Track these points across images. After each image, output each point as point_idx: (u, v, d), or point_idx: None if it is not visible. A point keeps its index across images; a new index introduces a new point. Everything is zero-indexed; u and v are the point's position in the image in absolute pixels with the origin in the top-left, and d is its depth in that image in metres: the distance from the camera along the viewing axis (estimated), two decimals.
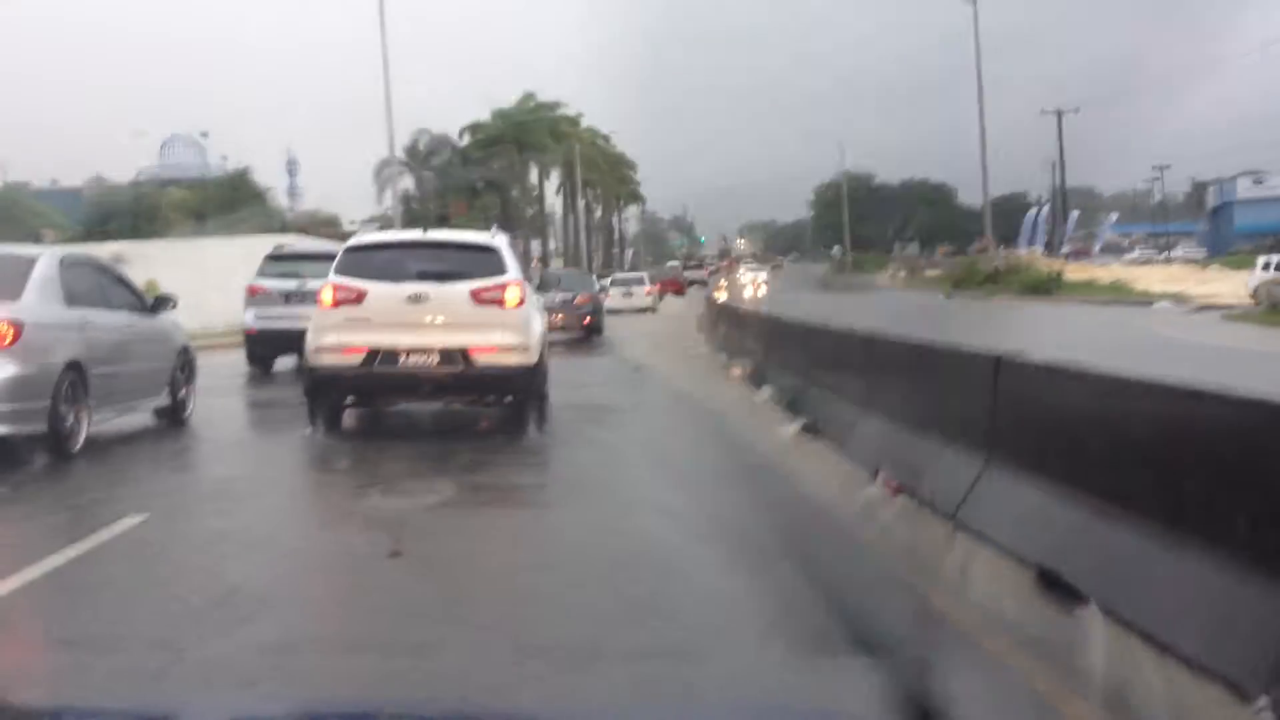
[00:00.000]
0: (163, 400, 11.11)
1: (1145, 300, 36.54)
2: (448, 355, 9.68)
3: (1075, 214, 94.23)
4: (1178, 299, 36.55)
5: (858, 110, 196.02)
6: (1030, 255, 53.74)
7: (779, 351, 13.39)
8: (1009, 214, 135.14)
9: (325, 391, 10.06)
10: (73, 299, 9.55)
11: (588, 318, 26.34)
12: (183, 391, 11.44)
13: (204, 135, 77.28)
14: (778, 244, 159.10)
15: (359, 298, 9.81)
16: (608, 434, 10.94)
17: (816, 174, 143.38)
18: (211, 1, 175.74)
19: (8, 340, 8.52)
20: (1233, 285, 40.99)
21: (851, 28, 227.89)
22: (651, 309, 40.54)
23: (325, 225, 55.91)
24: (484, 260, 10.26)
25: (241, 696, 2.91)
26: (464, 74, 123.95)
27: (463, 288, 9.93)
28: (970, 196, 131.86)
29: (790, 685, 3.90)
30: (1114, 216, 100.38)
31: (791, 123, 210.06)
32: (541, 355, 10.58)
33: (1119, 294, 39.28)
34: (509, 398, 10.43)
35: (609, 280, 42.71)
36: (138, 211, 54.28)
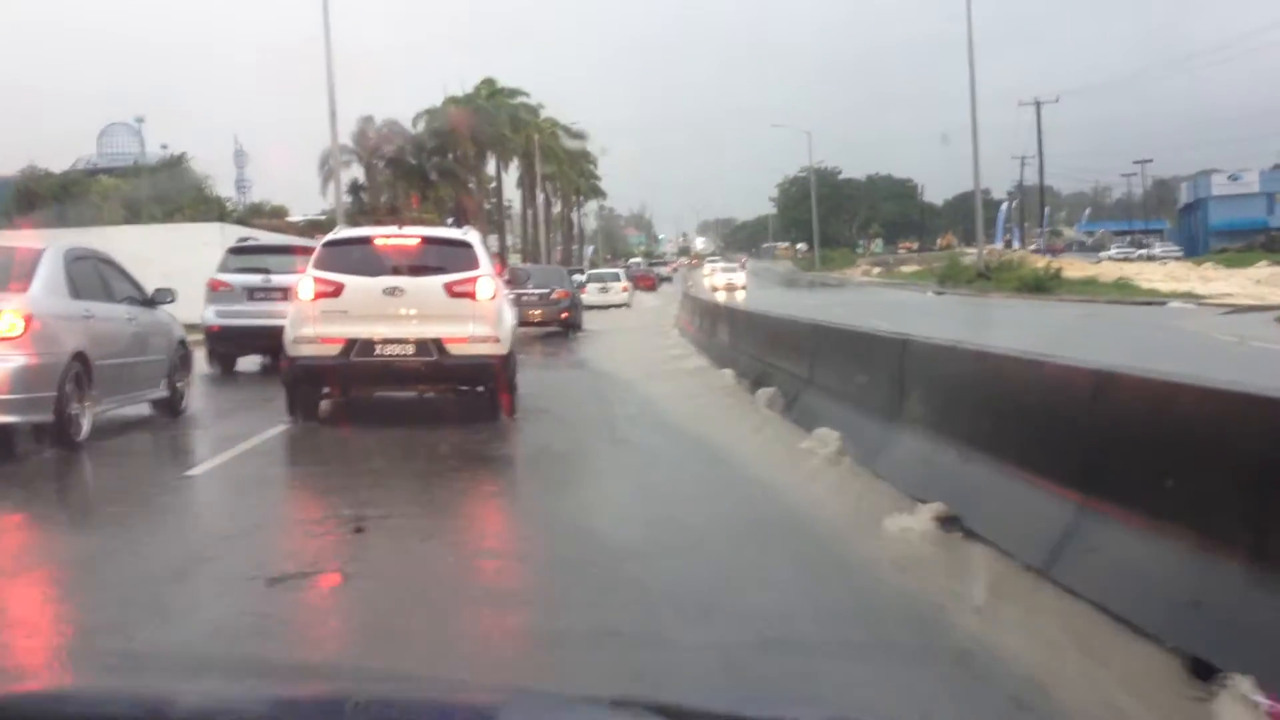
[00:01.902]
0: (161, 392, 11.45)
1: (1157, 299, 34.11)
2: (423, 345, 10.30)
3: (1048, 210, 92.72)
4: (1189, 298, 34.24)
5: (818, 107, 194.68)
6: (1022, 252, 51.20)
7: (821, 367, 10.48)
8: (971, 210, 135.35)
9: (304, 381, 10.65)
10: (77, 291, 9.85)
11: (565, 312, 26.91)
12: (180, 384, 11.83)
13: (139, 121, 73.86)
14: (737, 241, 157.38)
15: (337, 291, 10.38)
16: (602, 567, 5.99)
17: (775, 171, 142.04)
18: None
19: (19, 330, 8.83)
20: (1240, 284, 38.89)
21: (810, 22, 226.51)
22: (627, 304, 42.09)
23: (272, 217, 54.82)
24: (457, 255, 10.87)
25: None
26: (420, 62, 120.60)
27: (437, 281, 10.55)
28: (931, 193, 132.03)
29: None
30: (1088, 212, 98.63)
31: (750, 120, 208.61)
32: (512, 346, 11.02)
33: (1125, 293, 36.76)
34: (480, 387, 11.02)
35: (584, 276, 43.10)
36: (65, 199, 51.94)
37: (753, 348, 14.51)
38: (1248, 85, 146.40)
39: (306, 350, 10.37)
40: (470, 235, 11.53)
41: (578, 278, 38.86)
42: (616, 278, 45.70)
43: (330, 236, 11.83)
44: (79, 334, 9.49)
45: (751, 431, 10.15)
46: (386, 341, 10.24)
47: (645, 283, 62.11)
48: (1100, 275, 41.18)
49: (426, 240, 11.47)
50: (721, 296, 40.84)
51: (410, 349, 10.27)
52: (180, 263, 21.63)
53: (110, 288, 10.74)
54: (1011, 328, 24.18)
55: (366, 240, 11.44)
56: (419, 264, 10.79)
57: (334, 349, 10.28)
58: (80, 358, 9.37)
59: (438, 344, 10.28)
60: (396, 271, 10.61)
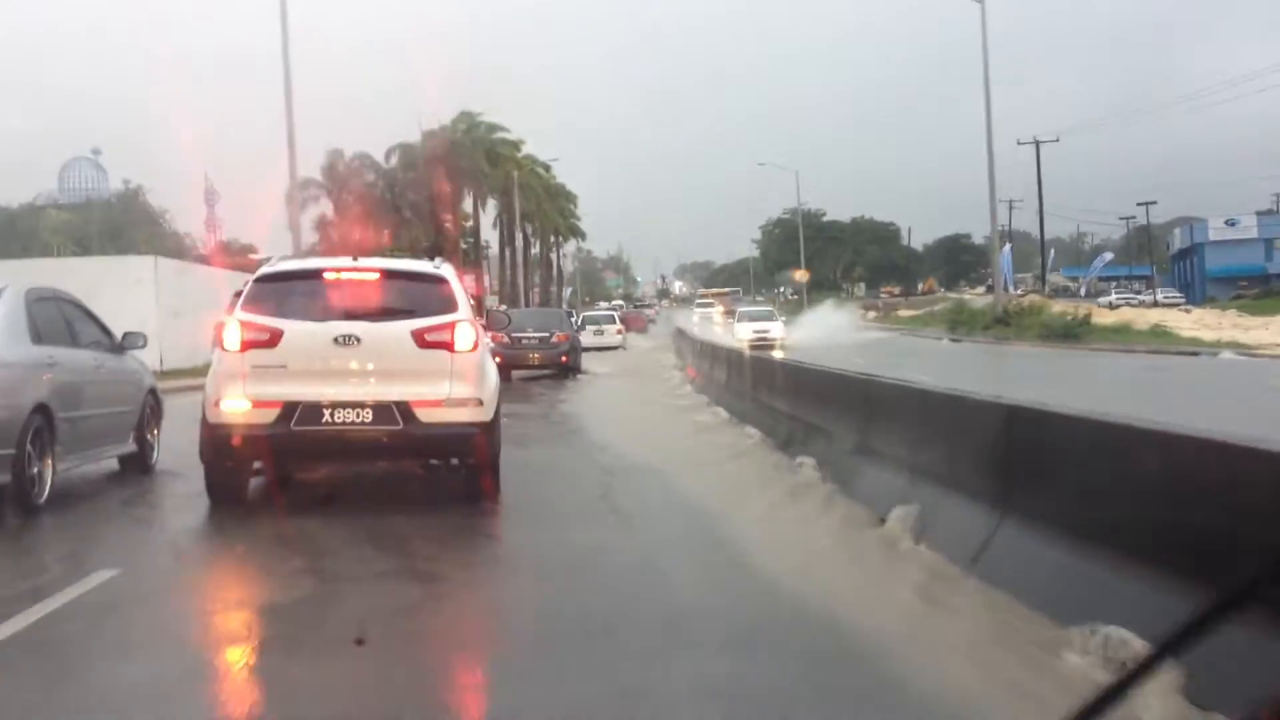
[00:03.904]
0: (129, 446, 10.67)
1: (1205, 349, 31.19)
2: (384, 410, 8.29)
3: (1052, 252, 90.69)
4: (1237, 347, 31.46)
5: (798, 149, 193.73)
6: (1036, 297, 48.43)
7: (879, 431, 8.08)
8: (954, 254, 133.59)
9: (228, 457, 8.60)
10: (39, 336, 9.12)
11: (564, 356, 26.74)
12: (149, 437, 11.06)
13: (97, 153, 70.93)
14: (716, 284, 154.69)
15: (273, 339, 8.43)
16: None
17: (755, 214, 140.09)
18: (124, 24, 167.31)
19: None
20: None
21: (789, 64, 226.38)
22: (622, 346, 42.60)
23: (243, 254, 53.26)
24: (429, 294, 8.93)
25: None
26: (394, 96, 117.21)
27: (403, 327, 8.58)
28: (914, 236, 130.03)
29: None
30: (1108, 256, 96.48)
31: (728, 162, 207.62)
32: (497, 410, 8.98)
33: (1164, 341, 33.81)
34: (455, 461, 9.02)
35: (580, 319, 41.83)
36: (11, 235, 50.59)
37: (786, 404, 12.10)
38: (1224, 132, 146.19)
39: (232, 416, 8.31)
40: (444, 269, 9.32)
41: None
42: (611, 320, 46.52)
43: (266, 269, 9.42)
44: (41, 384, 8.75)
45: (803, 520, 7.68)
46: (337, 405, 8.21)
47: (637, 324, 64.00)
48: (1132, 322, 38.31)
49: (389, 275, 9.24)
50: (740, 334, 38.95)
51: (368, 415, 8.23)
52: (108, 302, 18.63)
53: (75, 331, 9.87)
54: (1082, 383, 21.01)
55: (312, 274, 9.28)
56: (380, 305, 8.83)
57: (268, 415, 8.25)
58: (42, 410, 8.61)
59: (404, 408, 8.25)
60: (351, 315, 8.57)
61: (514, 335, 25.76)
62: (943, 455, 6.63)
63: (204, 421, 8.61)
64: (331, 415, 8.23)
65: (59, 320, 9.68)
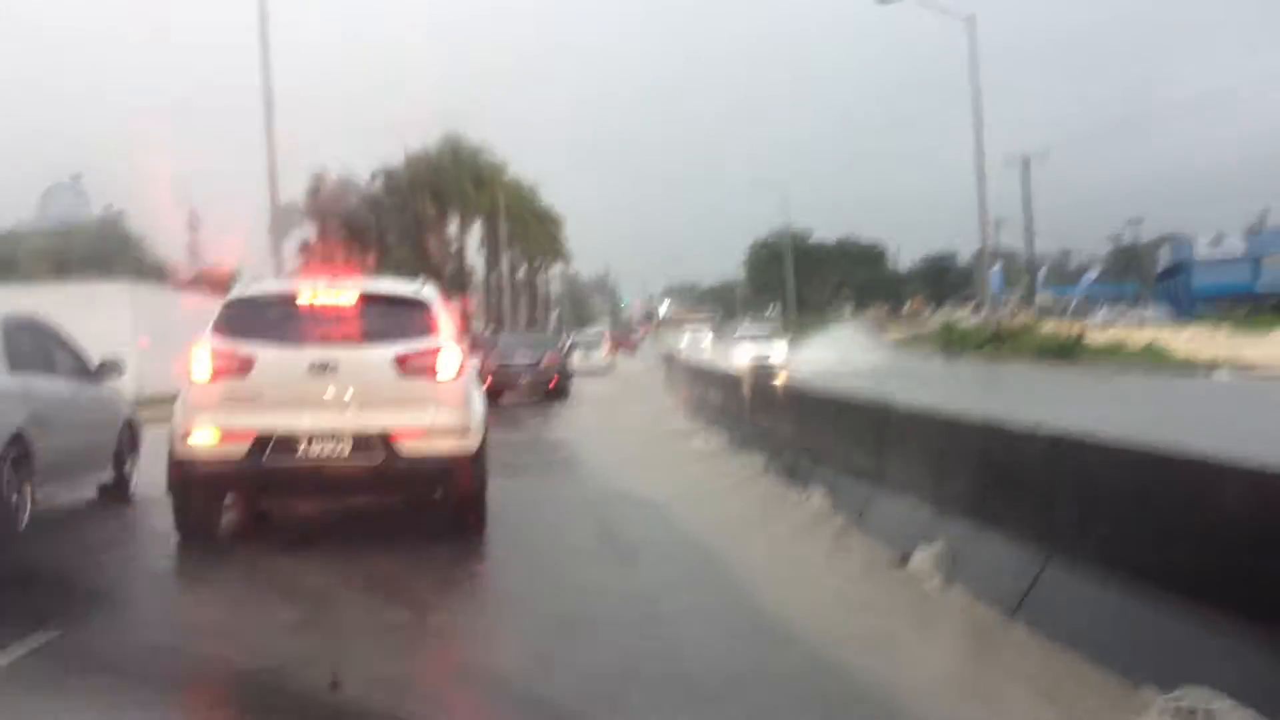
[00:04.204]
0: (107, 476, 10.55)
1: (1202, 368, 30.77)
2: (364, 442, 7.84)
3: (1043, 270, 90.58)
4: (1234, 367, 31.05)
5: (784, 172, 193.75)
6: (1026, 317, 48.03)
7: (897, 461, 7.44)
8: (940, 273, 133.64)
9: (198, 492, 8.15)
10: (16, 363, 8.94)
11: (554, 379, 26.71)
12: (127, 466, 10.91)
13: (76, 178, 70.07)
14: (703, 306, 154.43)
15: (244, 367, 7.99)
16: None
17: (742, 235, 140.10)
18: (108, 49, 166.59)
19: None
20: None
21: (775, 87, 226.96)
22: (610, 368, 43.54)
23: (226, 279, 51.92)
24: (410, 317, 8.38)
25: None
26: (379, 119, 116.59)
27: (383, 353, 8.09)
28: (900, 256, 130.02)
29: None
30: (1093, 275, 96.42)
31: (715, 185, 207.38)
32: (484, 440, 8.44)
33: (1158, 360, 33.34)
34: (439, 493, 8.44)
35: (568, 341, 40.96)
36: None
37: (789, 429, 11.57)
38: (1207, 149, 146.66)
39: (201, 450, 7.87)
40: (427, 290, 8.88)
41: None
42: (599, 343, 47.76)
43: (237, 292, 8.81)
44: (17, 413, 8.60)
45: (818, 558, 7.07)
46: (313, 437, 7.79)
47: (625, 345, 65.51)
48: (1125, 342, 37.84)
49: (369, 297, 8.59)
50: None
51: (346, 447, 7.81)
52: (83, 328, 18.09)
53: (53, 359, 9.76)
54: (1091, 405, 20.41)
55: (286, 297, 8.66)
56: (358, 329, 8.28)
57: (239, 448, 7.82)
58: (18, 440, 8.46)
59: (385, 439, 7.83)
60: (327, 339, 8.12)
61: (504, 360, 26.26)
62: (973, 487, 6.06)
63: (171, 455, 8.15)
64: (307, 447, 7.80)
65: (36, 347, 9.54)
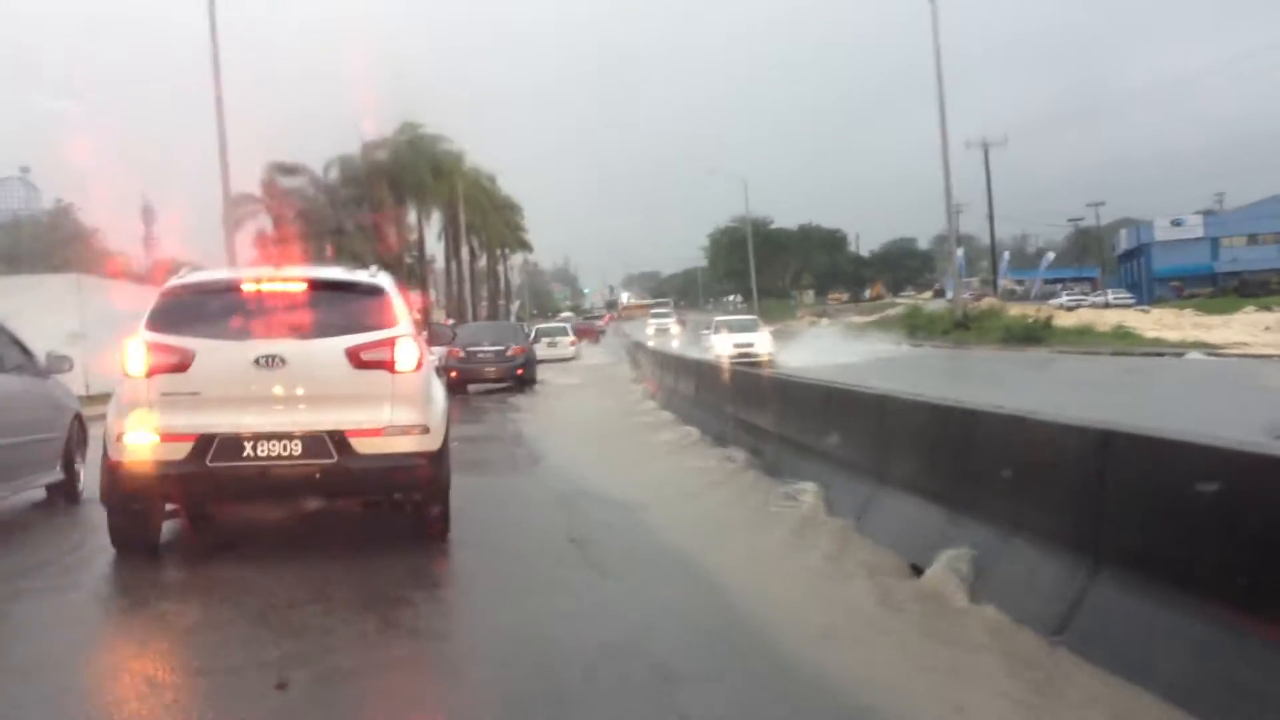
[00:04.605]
0: (57, 475, 10.22)
1: (1169, 349, 30.63)
2: (315, 442, 7.21)
3: (1006, 255, 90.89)
4: (1202, 348, 30.95)
5: (745, 158, 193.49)
6: (993, 300, 47.82)
7: (899, 460, 6.63)
8: (900, 259, 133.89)
9: (134, 498, 7.44)
10: None
11: (520, 369, 27.22)
12: (76, 464, 10.60)
13: (25, 171, 68.82)
14: (664, 294, 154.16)
15: (183, 362, 7.33)
16: None
17: (703, 223, 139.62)
18: (51, 39, 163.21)
19: None
20: (1244, 331, 35.89)
21: (735, 72, 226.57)
22: (575, 357, 43.50)
23: (172, 274, 50.88)
24: (364, 306, 7.78)
25: None
26: (335, 109, 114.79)
27: (335, 345, 7.45)
28: (860, 242, 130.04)
29: None
30: (1051, 257, 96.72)
31: (675, 172, 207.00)
32: (445, 438, 7.78)
33: (1128, 343, 33.18)
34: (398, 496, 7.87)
35: (533, 331, 41.72)
36: None
37: (771, 421, 10.92)
38: (1162, 134, 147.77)
39: (137, 453, 7.22)
40: (381, 278, 8.24)
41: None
42: (564, 332, 47.61)
43: (174, 281, 8.08)
44: None
45: (820, 569, 6.38)
46: (260, 437, 7.16)
47: (589, 335, 66.13)
48: (1094, 324, 37.67)
49: (318, 285, 7.97)
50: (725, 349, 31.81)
51: (296, 447, 7.17)
52: (28, 323, 17.35)
53: (1, 357, 9.62)
54: (1067, 389, 20.02)
55: (229, 286, 7.99)
56: (308, 320, 7.62)
57: (179, 450, 7.17)
58: None
59: (338, 439, 7.20)
60: (274, 332, 7.45)
61: (470, 349, 27.06)
62: (1001, 489, 5.40)
63: (105, 459, 7.48)
64: (253, 449, 7.18)
65: None
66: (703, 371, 16.32)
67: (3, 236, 52.18)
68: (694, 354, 25.40)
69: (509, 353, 27.32)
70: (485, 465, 12.37)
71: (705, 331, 34.25)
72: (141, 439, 7.25)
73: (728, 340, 32.59)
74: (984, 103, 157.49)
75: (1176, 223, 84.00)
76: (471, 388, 26.29)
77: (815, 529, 7.33)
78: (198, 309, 7.66)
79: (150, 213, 75.29)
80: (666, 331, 57.46)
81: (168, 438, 7.21)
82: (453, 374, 26.78)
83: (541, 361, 33.61)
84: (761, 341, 33.22)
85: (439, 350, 29.50)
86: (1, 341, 9.93)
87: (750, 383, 12.67)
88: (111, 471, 7.41)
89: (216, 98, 30.64)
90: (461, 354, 26.70)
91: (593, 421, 18.18)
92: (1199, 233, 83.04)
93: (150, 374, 7.33)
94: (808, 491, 8.11)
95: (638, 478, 10.96)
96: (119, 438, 7.33)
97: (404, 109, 59.59)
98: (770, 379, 12.65)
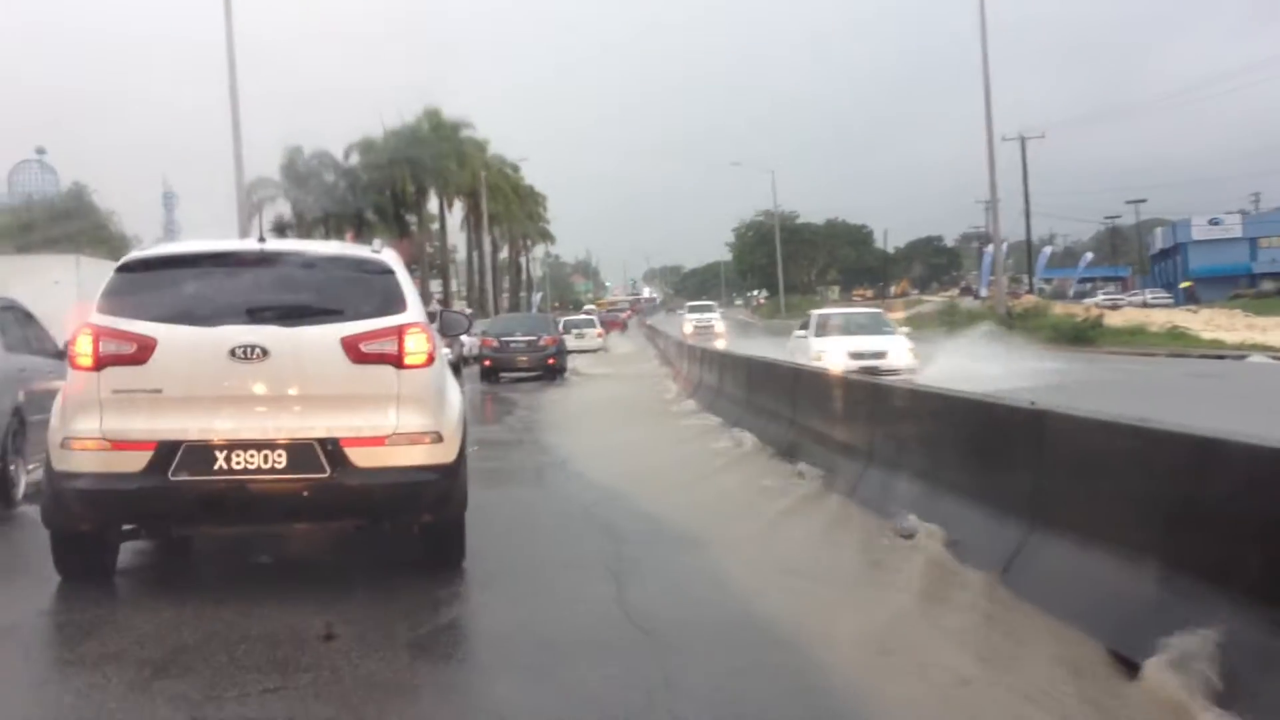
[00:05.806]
0: None
1: (1231, 353, 29.27)
2: (303, 452, 5.95)
3: (1047, 250, 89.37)
4: (1264, 350, 29.58)
5: (771, 151, 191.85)
6: (1034, 299, 46.27)
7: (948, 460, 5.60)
8: (927, 256, 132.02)
9: (80, 518, 6.24)
10: (10, 345, 9.67)
11: (551, 359, 28.54)
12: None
13: (41, 153, 67.98)
14: (687, 289, 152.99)
15: (141, 352, 6.05)
16: None
17: (728, 217, 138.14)
18: (78, 26, 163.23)
19: None
20: None
21: (761, 66, 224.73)
22: (603, 348, 44.06)
23: None
24: (365, 288, 6.48)
25: None
26: (358, 95, 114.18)
27: (330, 334, 6.17)
28: (888, 238, 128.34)
29: None
30: (1089, 257, 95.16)
31: (700, 166, 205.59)
32: (462, 447, 6.45)
33: (1184, 344, 31.63)
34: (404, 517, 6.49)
35: (561, 323, 41.39)
36: None
37: (860, 434, 9.39)
38: (1199, 133, 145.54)
39: (84, 462, 6.02)
40: (386, 254, 6.98)
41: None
42: (591, 324, 48.23)
43: (133, 255, 6.88)
44: (15, 390, 9.25)
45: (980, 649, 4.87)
46: (235, 445, 5.94)
47: (616, 325, 67.20)
48: (1145, 324, 36.08)
49: (309, 262, 6.81)
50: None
51: (280, 458, 5.95)
52: (28, 302, 16.32)
53: (35, 340, 10.35)
54: (1153, 396, 18.38)
55: (199, 259, 6.75)
56: (297, 303, 6.39)
57: (135, 460, 5.92)
58: (18, 414, 9.17)
59: (332, 448, 5.98)
60: (255, 317, 6.20)
61: (503, 339, 28.83)
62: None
63: (48, 469, 6.31)
64: (227, 460, 5.93)
65: (21, 329, 10.09)
66: (753, 369, 14.71)
67: (16, 219, 51.32)
68: (797, 361, 17.81)
69: (541, 342, 28.77)
70: (514, 475, 10.98)
71: (800, 333, 25.08)
72: (88, 446, 6.01)
73: (840, 345, 22.54)
74: (1013, 99, 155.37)
75: (1214, 222, 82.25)
76: (503, 376, 27.99)
77: (946, 579, 5.69)
78: (162, 287, 6.39)
79: (171, 198, 74.66)
80: (710, 330, 47.60)
81: (120, 445, 5.97)
82: (486, 362, 28.53)
83: (570, 352, 34.54)
84: (897, 350, 22.70)
85: (469, 340, 29.28)
86: (32, 326, 10.44)
87: (830, 384, 10.89)
88: (54, 485, 6.20)
89: (230, 81, 29.86)
90: (495, 343, 28.62)
91: (628, 423, 16.65)
92: (1237, 232, 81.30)
93: (99, 366, 6.07)
94: (929, 533, 6.50)
95: (693, 498, 9.26)
96: (62, 444, 6.10)
97: (427, 95, 58.52)
98: (866, 384, 10.29)
